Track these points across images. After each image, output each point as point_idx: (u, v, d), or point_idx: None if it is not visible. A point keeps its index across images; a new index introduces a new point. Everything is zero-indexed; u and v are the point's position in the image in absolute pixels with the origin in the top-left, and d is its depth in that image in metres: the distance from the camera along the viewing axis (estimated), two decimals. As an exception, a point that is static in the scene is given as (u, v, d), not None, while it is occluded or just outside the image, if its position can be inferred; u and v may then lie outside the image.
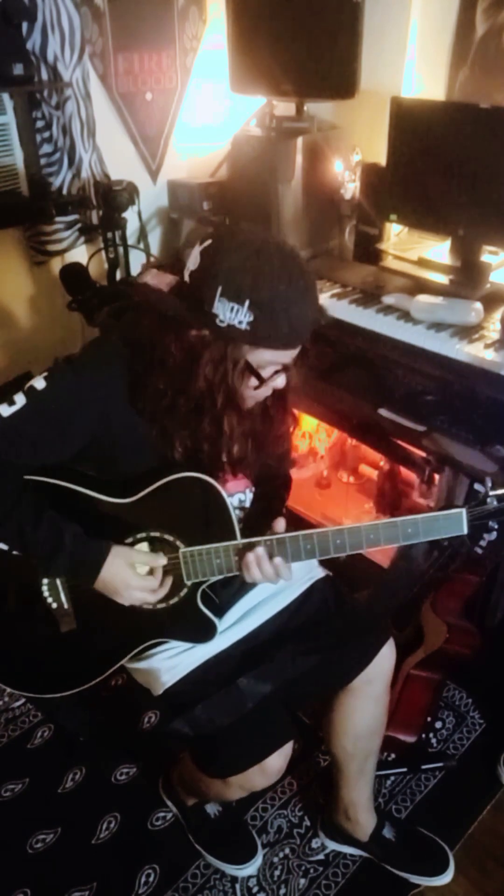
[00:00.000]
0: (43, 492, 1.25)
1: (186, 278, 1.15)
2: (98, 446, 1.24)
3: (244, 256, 1.09)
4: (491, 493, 1.24)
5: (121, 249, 2.41)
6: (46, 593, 1.32)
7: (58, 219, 2.43)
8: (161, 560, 1.29)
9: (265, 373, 1.19)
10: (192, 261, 1.14)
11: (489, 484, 1.24)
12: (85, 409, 1.21)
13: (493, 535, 1.25)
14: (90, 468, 1.29)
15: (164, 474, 1.24)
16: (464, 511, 1.23)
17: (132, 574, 1.27)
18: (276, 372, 1.20)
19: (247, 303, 1.09)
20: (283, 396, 1.32)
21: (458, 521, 1.23)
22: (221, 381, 1.17)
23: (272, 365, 1.19)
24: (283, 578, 1.27)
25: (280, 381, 1.23)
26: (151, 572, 1.29)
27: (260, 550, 1.24)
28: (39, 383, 1.20)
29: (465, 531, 1.23)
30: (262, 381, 1.19)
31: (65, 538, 1.23)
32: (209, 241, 1.13)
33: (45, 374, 1.22)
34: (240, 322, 1.10)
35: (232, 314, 1.10)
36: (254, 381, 1.19)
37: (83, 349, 1.29)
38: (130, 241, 2.45)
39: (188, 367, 1.17)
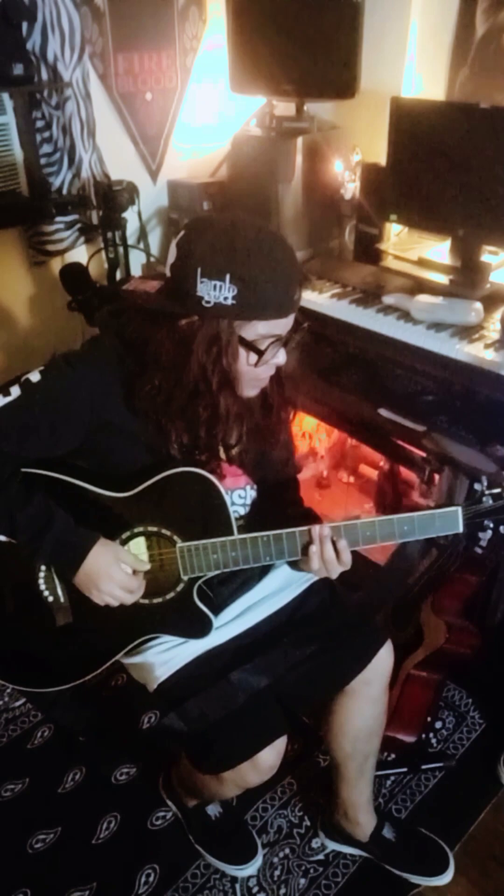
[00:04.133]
0: (40, 484, 1.26)
1: (168, 273, 1.17)
2: (93, 442, 1.25)
3: (217, 234, 1.11)
4: (487, 491, 1.24)
5: (121, 249, 2.41)
6: (43, 586, 1.32)
7: (58, 219, 2.43)
8: (145, 565, 1.30)
9: (262, 346, 1.18)
10: (171, 255, 1.16)
11: (485, 483, 1.25)
12: (78, 405, 1.21)
13: (489, 533, 1.25)
14: (87, 462, 1.29)
15: (161, 469, 1.24)
16: (459, 509, 1.23)
17: (118, 568, 1.26)
18: (273, 344, 1.19)
19: (227, 277, 1.10)
20: (281, 383, 1.32)
21: (453, 520, 1.24)
22: (215, 363, 1.17)
23: (268, 338, 1.18)
24: (344, 566, 1.26)
25: (281, 357, 1.22)
26: (133, 574, 1.29)
27: (326, 531, 1.24)
28: (35, 376, 1.21)
29: (461, 529, 1.24)
30: (260, 353, 1.18)
31: (54, 519, 1.23)
32: (182, 233, 1.15)
33: (42, 368, 1.23)
34: (225, 298, 1.11)
35: (216, 292, 1.11)
36: (252, 357, 1.18)
37: (81, 347, 1.30)
38: (130, 241, 2.45)
39: (182, 356, 1.17)
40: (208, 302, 1.12)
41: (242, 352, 1.18)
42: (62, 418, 1.22)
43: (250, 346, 1.17)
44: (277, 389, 1.32)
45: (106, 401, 1.22)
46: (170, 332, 1.18)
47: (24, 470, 1.26)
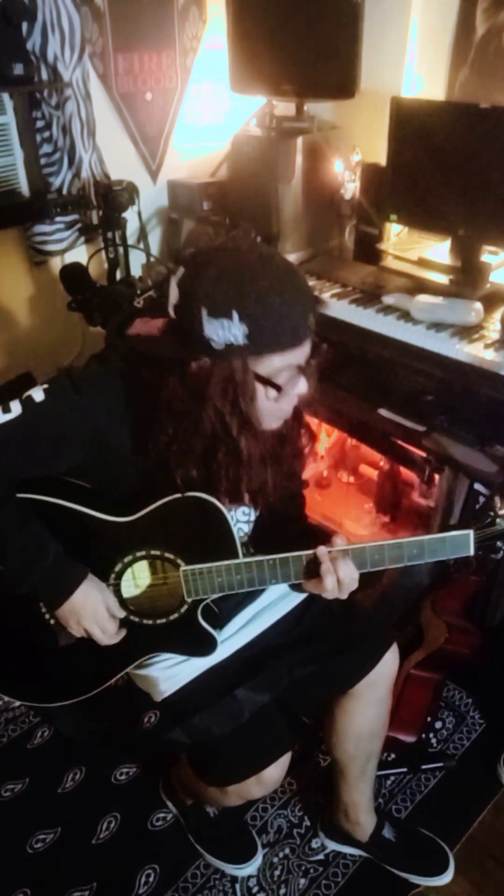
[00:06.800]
0: (41, 509, 1.23)
1: (172, 314, 1.11)
2: (94, 464, 1.22)
3: (219, 270, 1.05)
4: (500, 513, 1.21)
5: (121, 249, 2.41)
6: (45, 608, 1.31)
7: (58, 219, 2.43)
8: (120, 613, 1.29)
9: (280, 379, 1.13)
10: (173, 295, 1.09)
11: (497, 504, 1.22)
12: (80, 433, 1.17)
13: (501, 554, 1.23)
14: (88, 482, 1.27)
15: (165, 493, 1.21)
16: (471, 533, 1.20)
17: (103, 609, 1.25)
18: (290, 378, 1.14)
19: (235, 315, 1.04)
20: (298, 412, 1.26)
21: (464, 543, 1.21)
22: (234, 406, 1.12)
23: (286, 370, 1.13)
24: (355, 583, 1.22)
25: (302, 386, 1.16)
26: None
27: (336, 554, 1.19)
28: (38, 395, 1.17)
29: (472, 552, 1.21)
30: (279, 389, 1.13)
31: (47, 552, 1.20)
32: (182, 271, 1.09)
33: (46, 385, 1.18)
34: (235, 337, 1.05)
35: (225, 332, 1.05)
36: (272, 392, 1.13)
37: (87, 367, 1.26)
38: (130, 241, 2.45)
39: (196, 402, 1.12)
40: (218, 343, 1.06)
41: (260, 388, 1.12)
42: (63, 443, 1.18)
43: (268, 381, 1.11)
44: (295, 419, 1.27)
45: (109, 432, 1.18)
46: (181, 379, 1.11)
47: (27, 496, 1.23)
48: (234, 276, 1.05)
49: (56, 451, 1.19)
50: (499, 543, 1.23)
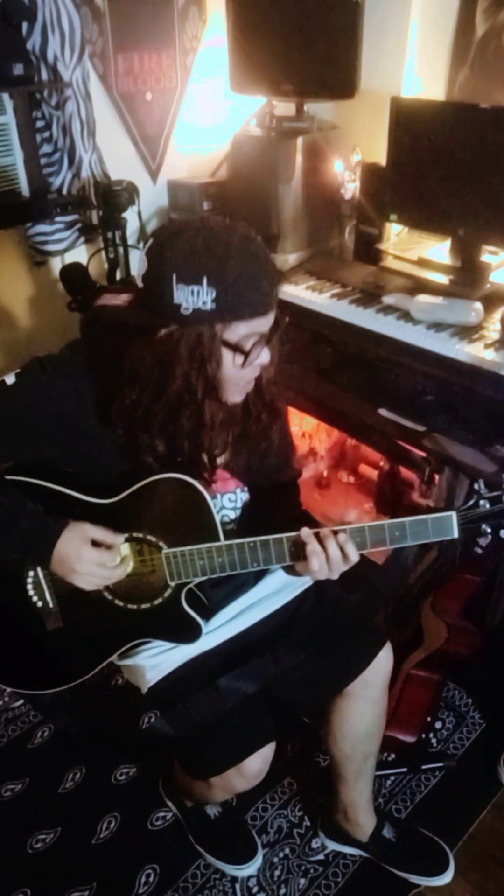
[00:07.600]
0: (23, 491, 1.25)
1: (140, 284, 1.14)
2: (73, 449, 1.24)
3: (188, 239, 1.08)
4: (484, 495, 1.21)
5: (121, 249, 2.41)
6: (31, 592, 1.32)
7: (58, 219, 2.43)
8: (119, 538, 1.27)
9: (246, 346, 1.15)
10: (141, 266, 1.13)
11: (482, 486, 1.21)
12: (49, 413, 1.20)
13: (489, 537, 1.21)
14: (73, 468, 1.28)
15: (146, 475, 1.23)
16: (454, 514, 1.19)
17: (87, 547, 1.24)
18: (256, 344, 1.16)
19: (205, 280, 1.07)
20: (261, 390, 1.29)
21: (448, 525, 1.20)
22: (200, 371, 1.14)
23: (251, 337, 1.15)
24: (349, 563, 1.22)
25: (265, 356, 1.19)
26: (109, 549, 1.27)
27: (325, 533, 1.20)
28: (10, 379, 1.21)
29: (456, 535, 1.20)
30: (247, 354, 1.15)
31: (22, 511, 1.22)
32: (151, 241, 1.12)
33: (18, 371, 1.22)
34: (204, 303, 1.08)
35: (194, 297, 1.08)
36: (238, 359, 1.15)
37: (59, 351, 1.29)
38: (130, 241, 2.45)
39: (163, 368, 1.15)
40: (186, 309, 1.09)
41: (227, 355, 1.15)
42: (33, 424, 1.21)
43: (235, 347, 1.14)
44: (258, 396, 1.29)
45: (79, 410, 1.20)
46: (148, 346, 1.14)
47: (10, 478, 1.25)
48: (204, 244, 1.08)
49: (28, 432, 1.21)
50: (484, 527, 1.21)
